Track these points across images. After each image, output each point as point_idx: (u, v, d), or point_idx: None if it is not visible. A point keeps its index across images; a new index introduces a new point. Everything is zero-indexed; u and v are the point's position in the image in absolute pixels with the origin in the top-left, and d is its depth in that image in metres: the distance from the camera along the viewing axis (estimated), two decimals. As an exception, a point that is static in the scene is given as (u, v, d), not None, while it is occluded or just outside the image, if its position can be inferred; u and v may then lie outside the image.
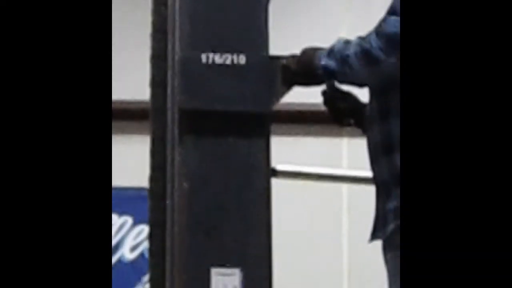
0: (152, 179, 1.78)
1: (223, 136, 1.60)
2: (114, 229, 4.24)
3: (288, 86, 1.68)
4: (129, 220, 4.50)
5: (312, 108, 2.74)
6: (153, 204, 1.75)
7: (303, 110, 3.46)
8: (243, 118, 1.60)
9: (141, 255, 4.45)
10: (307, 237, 3.98)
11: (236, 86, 1.56)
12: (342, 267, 4.35)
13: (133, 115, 3.94)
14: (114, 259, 4.21)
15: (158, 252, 1.74)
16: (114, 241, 4.39)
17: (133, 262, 4.54)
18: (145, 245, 4.17)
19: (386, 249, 1.76)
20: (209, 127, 1.60)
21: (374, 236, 1.78)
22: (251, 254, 1.64)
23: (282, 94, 1.68)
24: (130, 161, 3.77)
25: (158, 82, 1.74)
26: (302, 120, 3.98)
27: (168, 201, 1.71)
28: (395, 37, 1.64)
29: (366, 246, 1.82)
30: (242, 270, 1.56)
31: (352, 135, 3.52)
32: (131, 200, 4.26)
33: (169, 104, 1.68)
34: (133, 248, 4.55)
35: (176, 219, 1.64)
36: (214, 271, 1.55)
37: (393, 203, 1.74)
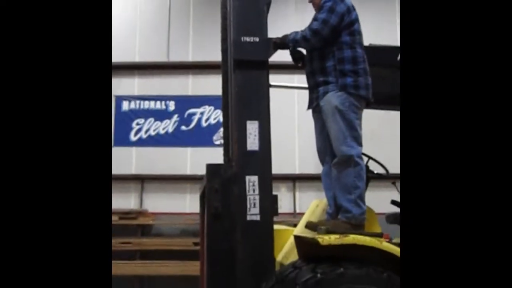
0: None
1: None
2: (205, 111, 7.47)
3: (275, 49, 2.87)
4: (212, 108, 7.19)
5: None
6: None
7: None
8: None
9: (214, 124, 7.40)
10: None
11: (255, 50, 2.97)
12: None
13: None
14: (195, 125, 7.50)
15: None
16: (198, 117, 7.53)
17: (208, 127, 7.29)
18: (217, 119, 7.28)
19: (313, 113, 2.98)
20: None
21: (309, 107, 3.01)
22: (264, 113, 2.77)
23: (272, 53, 2.90)
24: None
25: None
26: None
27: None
28: (324, 21, 2.74)
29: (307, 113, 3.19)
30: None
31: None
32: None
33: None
34: (207, 119, 7.16)
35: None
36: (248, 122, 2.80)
37: (315, 82, 2.87)
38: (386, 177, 3.49)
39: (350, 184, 2.64)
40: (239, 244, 2.34)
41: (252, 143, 2.75)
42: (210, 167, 2.29)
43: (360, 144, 2.71)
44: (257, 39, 2.82)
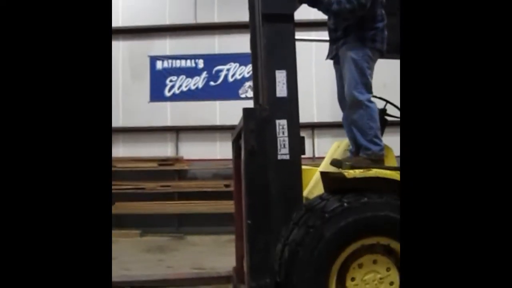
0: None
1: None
2: (231, 68, 7.40)
3: (300, 3, 2.75)
4: (237, 64, 7.02)
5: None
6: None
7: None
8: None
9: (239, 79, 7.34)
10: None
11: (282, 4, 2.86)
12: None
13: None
14: (222, 81, 7.53)
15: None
16: (225, 73, 7.50)
17: (234, 82, 7.17)
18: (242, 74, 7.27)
19: (334, 64, 2.96)
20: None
21: (327, 57, 2.96)
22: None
23: (297, 6, 2.79)
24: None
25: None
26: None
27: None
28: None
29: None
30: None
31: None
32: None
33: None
34: (233, 75, 6.96)
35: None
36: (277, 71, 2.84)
37: (336, 36, 2.82)
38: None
39: (364, 126, 2.64)
40: (271, 180, 2.35)
41: (281, 90, 2.72)
42: (247, 110, 2.29)
43: (370, 91, 2.70)
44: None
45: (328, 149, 3.97)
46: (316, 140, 7.15)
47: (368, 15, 2.69)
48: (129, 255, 5.45)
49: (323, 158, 3.74)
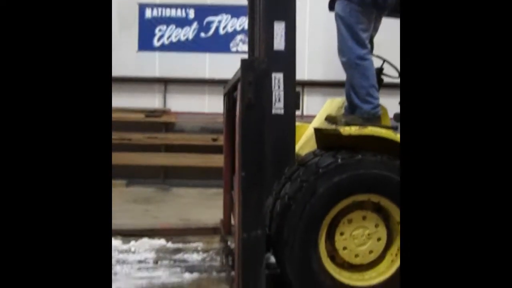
0: None
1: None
2: (222, 19, 7.14)
3: None
4: (229, 16, 6.98)
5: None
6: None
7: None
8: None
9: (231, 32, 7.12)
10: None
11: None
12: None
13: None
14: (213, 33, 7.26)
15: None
16: (216, 25, 7.21)
17: (225, 35, 7.05)
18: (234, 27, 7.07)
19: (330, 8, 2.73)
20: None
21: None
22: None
23: None
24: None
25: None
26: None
27: None
28: None
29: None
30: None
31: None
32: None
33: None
34: (224, 27, 6.89)
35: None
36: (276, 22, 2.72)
37: None
38: (395, 85, 3.38)
39: (356, 84, 2.59)
40: (265, 134, 2.33)
41: (279, 42, 2.67)
42: (245, 62, 2.23)
43: (363, 47, 2.58)
44: None
45: (318, 108, 3.95)
46: (305, 98, 7.10)
47: None
48: (115, 204, 5.44)
49: (312, 116, 3.73)
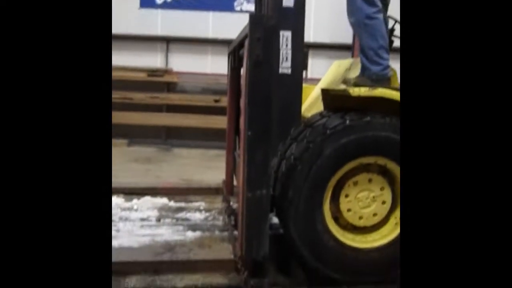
0: None
1: None
2: None
3: None
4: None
5: None
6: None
7: None
8: None
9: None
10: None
11: None
12: None
13: None
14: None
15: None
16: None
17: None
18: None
19: None
20: None
21: None
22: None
23: None
24: None
25: None
26: None
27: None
28: None
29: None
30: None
31: None
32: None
33: None
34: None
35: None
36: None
37: None
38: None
39: (365, 45, 2.51)
40: (272, 93, 2.28)
41: (288, -1, 2.57)
42: (253, 17, 2.15)
43: (371, 5, 2.47)
44: None
45: (322, 71, 3.86)
46: (310, 60, 6.98)
47: None
48: (117, 163, 5.43)
49: (316, 79, 3.65)
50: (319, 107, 2.74)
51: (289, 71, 2.61)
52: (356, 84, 2.42)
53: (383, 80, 2.50)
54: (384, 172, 2.36)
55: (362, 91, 2.27)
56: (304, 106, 3.01)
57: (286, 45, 2.58)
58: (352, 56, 6.46)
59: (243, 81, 2.29)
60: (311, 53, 6.98)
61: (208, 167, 5.67)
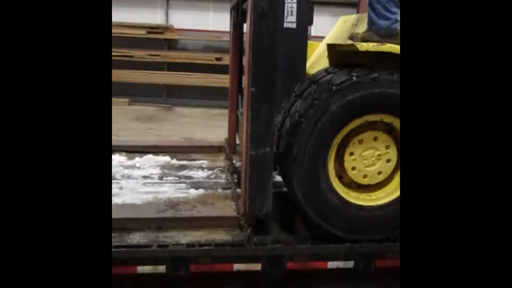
0: None
1: None
2: None
3: None
4: None
5: None
6: None
7: None
8: None
9: None
10: None
11: None
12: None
13: None
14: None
15: None
16: None
17: None
18: None
19: None
20: None
21: None
22: None
23: None
24: None
25: None
26: None
27: None
28: None
29: None
30: None
31: None
32: None
33: None
34: None
35: None
36: None
37: None
38: None
39: None
40: (277, 48, 2.21)
41: (293, -49, 2.45)
42: (258, -32, 2.05)
43: None
44: None
45: (326, 28, 3.76)
46: (314, 17, 6.79)
47: None
48: (118, 122, 5.40)
49: (320, 37, 3.55)
50: (324, 64, 2.67)
51: (294, 25, 2.53)
52: (364, 39, 2.34)
53: (392, 35, 2.41)
54: (390, 130, 2.32)
55: (370, 46, 2.19)
56: (308, 63, 2.94)
57: (292, -1, 2.49)
58: (358, 12, 6.29)
59: (246, 37, 2.22)
60: (315, 10, 6.78)
61: (210, 126, 5.64)
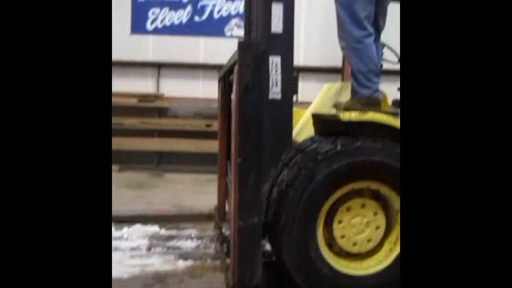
0: None
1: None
2: (217, 3, 6.99)
3: None
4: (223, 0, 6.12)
5: None
6: None
7: None
8: None
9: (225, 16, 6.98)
10: None
11: None
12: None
13: None
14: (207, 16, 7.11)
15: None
16: (210, 8, 7.05)
17: (220, 19, 6.93)
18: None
19: None
20: None
21: None
22: None
23: None
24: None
25: None
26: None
27: None
28: None
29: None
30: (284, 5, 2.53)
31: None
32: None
33: None
34: (219, 11, 6.68)
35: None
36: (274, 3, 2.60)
37: None
38: (394, 72, 3.34)
39: (354, 69, 2.51)
40: (263, 119, 2.27)
41: (276, 25, 2.58)
42: (242, 44, 2.15)
43: (361, 28, 2.46)
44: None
45: (313, 94, 3.87)
46: (300, 84, 7.01)
47: None
48: (108, 190, 5.36)
49: (307, 102, 3.66)
50: (310, 131, 2.73)
51: (279, 96, 2.60)
52: (346, 108, 2.41)
53: (374, 104, 2.49)
54: (377, 197, 2.33)
55: (353, 115, 2.25)
56: (295, 131, 2.99)
57: (276, 71, 2.58)
58: (342, 79, 6.49)
59: (233, 107, 2.28)
60: (301, 77, 7.01)
61: (201, 192, 5.60)
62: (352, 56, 2.52)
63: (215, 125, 5.55)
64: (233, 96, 2.29)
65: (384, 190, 2.28)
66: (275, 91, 2.60)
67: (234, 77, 2.21)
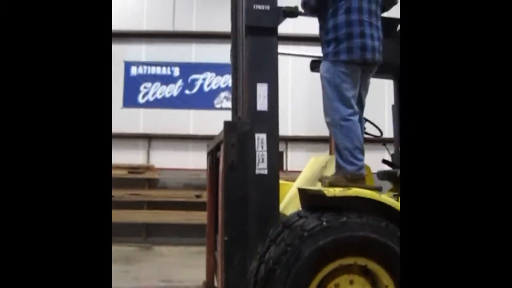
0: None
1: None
2: (207, 77, 7.32)
3: (284, 17, 2.73)
4: (213, 74, 6.79)
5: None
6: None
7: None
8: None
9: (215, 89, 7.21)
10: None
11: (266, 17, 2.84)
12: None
13: None
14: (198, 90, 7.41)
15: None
16: (200, 82, 7.38)
17: (209, 92, 7.06)
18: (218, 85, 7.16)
19: None
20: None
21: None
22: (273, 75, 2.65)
23: (282, 20, 2.72)
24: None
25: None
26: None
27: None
28: None
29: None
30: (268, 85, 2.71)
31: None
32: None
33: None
34: (209, 84, 6.90)
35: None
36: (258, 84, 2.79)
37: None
38: (378, 140, 3.44)
39: (339, 145, 2.57)
40: (249, 195, 2.30)
41: (262, 103, 2.67)
42: (228, 124, 2.23)
43: (348, 107, 2.56)
44: (268, 7, 2.69)
45: (301, 163, 3.95)
46: (289, 153, 7.13)
47: (328, 27, 2.61)
48: (94, 265, 5.23)
49: (295, 172, 3.72)
50: (298, 204, 2.74)
51: (265, 172, 2.64)
52: (331, 184, 2.45)
53: (358, 180, 2.54)
54: (365, 272, 2.32)
55: (337, 191, 2.29)
56: (283, 204, 3.01)
57: (262, 147, 2.63)
58: (330, 151, 6.62)
59: (220, 184, 2.31)
60: (289, 146, 7.14)
61: (189, 265, 5.49)
62: (338, 133, 2.58)
63: (205, 196, 5.57)
64: (219, 172, 2.33)
65: (372, 265, 2.27)
66: (261, 167, 2.64)
67: (221, 155, 2.27)
